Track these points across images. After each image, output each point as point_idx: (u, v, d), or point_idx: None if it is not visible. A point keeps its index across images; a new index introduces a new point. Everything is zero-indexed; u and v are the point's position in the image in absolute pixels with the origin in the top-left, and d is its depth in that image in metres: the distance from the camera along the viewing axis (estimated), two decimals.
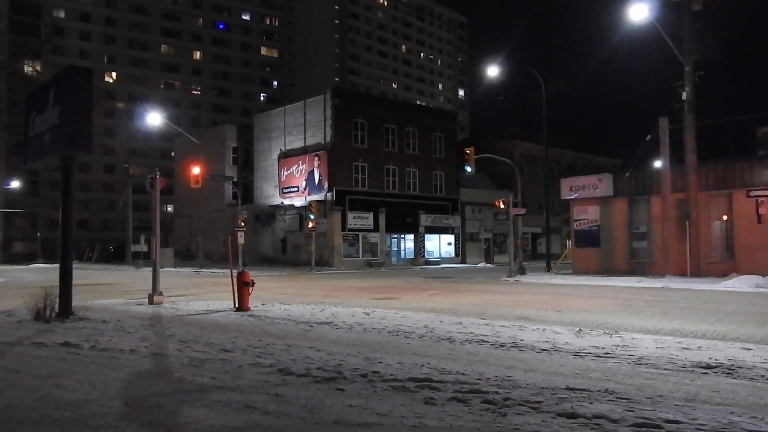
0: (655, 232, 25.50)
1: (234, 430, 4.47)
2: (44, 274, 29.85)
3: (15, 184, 69.21)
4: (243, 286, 13.11)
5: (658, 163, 26.51)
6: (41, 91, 13.02)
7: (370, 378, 6.13)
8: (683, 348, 7.92)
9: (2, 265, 54.79)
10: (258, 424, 4.60)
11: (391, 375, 6.25)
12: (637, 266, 25.96)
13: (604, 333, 9.37)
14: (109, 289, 21.56)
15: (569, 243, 31.03)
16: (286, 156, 46.34)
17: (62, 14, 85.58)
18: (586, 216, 28.19)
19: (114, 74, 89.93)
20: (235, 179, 46.70)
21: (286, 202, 45.86)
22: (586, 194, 28.03)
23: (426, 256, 46.78)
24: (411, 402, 5.23)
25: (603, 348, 7.93)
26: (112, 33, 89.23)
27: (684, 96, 23.86)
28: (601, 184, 27.47)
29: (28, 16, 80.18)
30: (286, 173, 46.10)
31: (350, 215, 42.55)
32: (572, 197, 28.69)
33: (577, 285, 21.90)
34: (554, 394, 5.45)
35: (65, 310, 11.35)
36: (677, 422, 4.55)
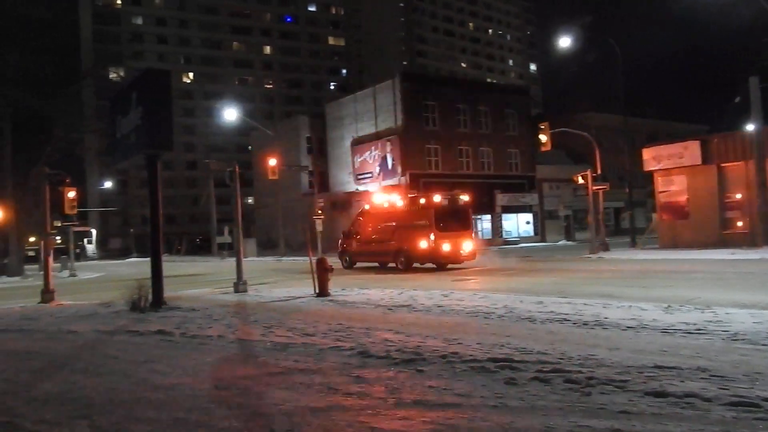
0: (750, 201, 23.92)
1: (317, 410, 4.58)
2: (138, 267, 31.59)
3: (108, 184, 73.77)
4: (322, 272, 13.39)
5: (749, 127, 24.78)
6: (124, 94, 13.70)
7: (449, 359, 6.12)
8: None
9: (100, 260, 58.46)
10: (340, 405, 4.69)
11: (471, 356, 6.21)
12: (730, 238, 24.44)
13: (695, 308, 8.90)
14: (197, 280, 22.57)
15: (654, 216, 29.59)
16: (358, 143, 46.70)
17: (140, 21, 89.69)
18: (672, 187, 26.76)
19: (190, 74, 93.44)
20: (310, 168, 47.50)
21: (361, 188, 46.28)
22: (671, 164, 26.58)
23: (504, 236, 46.04)
24: (491, 382, 5.18)
25: (694, 324, 7.55)
26: (186, 35, 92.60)
27: None
28: (687, 152, 25.94)
29: (109, 25, 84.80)
30: (359, 160, 46.49)
31: None
32: (656, 168, 27.32)
33: (664, 260, 20.94)
34: (641, 373, 5.25)
35: (157, 300, 12.02)
36: None
